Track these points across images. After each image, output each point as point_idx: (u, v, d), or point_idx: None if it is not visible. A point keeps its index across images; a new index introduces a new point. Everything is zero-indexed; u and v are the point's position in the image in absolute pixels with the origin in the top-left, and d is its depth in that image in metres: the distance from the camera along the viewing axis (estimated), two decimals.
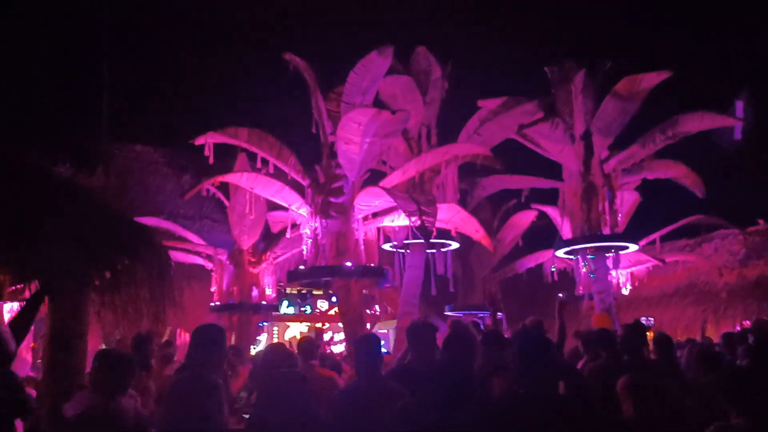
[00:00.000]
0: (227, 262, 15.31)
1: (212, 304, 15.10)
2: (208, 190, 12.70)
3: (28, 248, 7.41)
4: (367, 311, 13.11)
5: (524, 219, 14.66)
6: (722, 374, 4.66)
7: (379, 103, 11.24)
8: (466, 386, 3.17)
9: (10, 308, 11.96)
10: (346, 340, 11.83)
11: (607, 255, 11.86)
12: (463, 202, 13.00)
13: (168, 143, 18.18)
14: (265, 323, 19.49)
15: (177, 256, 14.02)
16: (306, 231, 11.11)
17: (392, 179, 11.01)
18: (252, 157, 12.56)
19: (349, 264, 10.64)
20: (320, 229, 10.87)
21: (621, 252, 11.94)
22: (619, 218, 11.86)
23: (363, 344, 4.23)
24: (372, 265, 11.01)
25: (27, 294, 10.26)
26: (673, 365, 5.96)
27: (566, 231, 12.46)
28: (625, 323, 6.41)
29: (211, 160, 10.89)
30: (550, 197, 13.51)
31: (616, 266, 11.92)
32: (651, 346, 6.43)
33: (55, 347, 6.86)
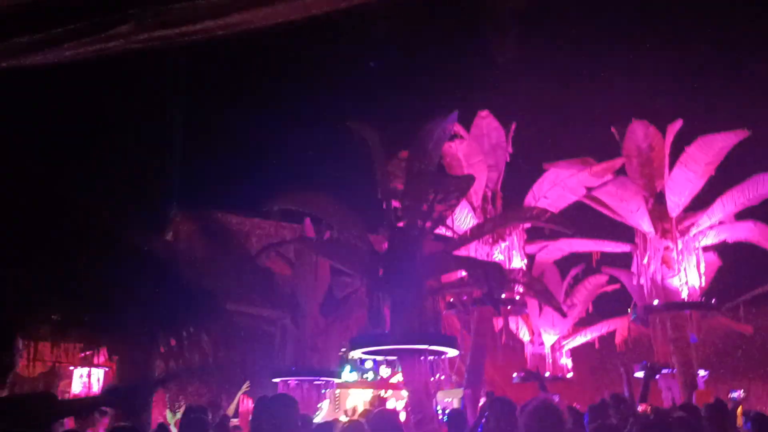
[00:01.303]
0: (291, 327, 15.26)
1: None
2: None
3: (98, 315, 7.52)
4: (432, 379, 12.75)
5: (594, 284, 14.10)
6: None
7: (442, 167, 11.21)
8: None
9: (80, 374, 12.15)
10: (410, 409, 11.42)
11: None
12: (529, 267, 12.65)
13: (237, 209, 18.59)
14: (326, 390, 19.16)
15: (240, 320, 14.18)
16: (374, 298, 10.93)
17: (461, 247, 10.82)
18: (316, 220, 12.68)
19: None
20: (387, 298, 10.68)
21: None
22: (698, 282, 11.22)
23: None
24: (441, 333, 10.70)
25: (96, 360, 10.32)
26: None
27: (641, 296, 11.87)
28: (708, 403, 5.95)
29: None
30: (622, 261, 12.98)
31: (695, 337, 11.20)
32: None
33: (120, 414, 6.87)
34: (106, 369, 12.14)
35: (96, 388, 11.98)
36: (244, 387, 13.45)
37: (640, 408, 6.52)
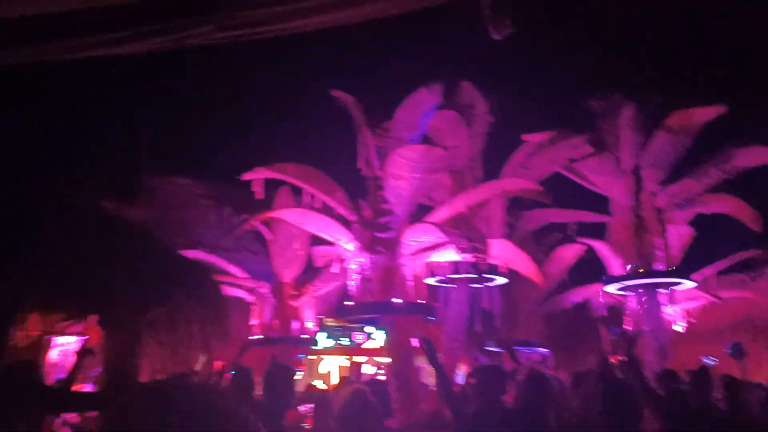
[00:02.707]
0: (268, 295, 15.33)
1: (252, 337, 15.07)
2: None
3: (84, 284, 7.45)
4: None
5: (570, 253, 14.40)
6: None
7: (424, 138, 11.24)
8: None
9: (61, 342, 12.05)
10: (391, 375, 11.64)
11: (659, 291, 11.56)
12: (508, 236, 12.86)
13: (208, 176, 18.43)
14: (303, 356, 19.38)
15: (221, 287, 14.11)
16: (353, 266, 11.03)
17: (439, 214, 10.93)
18: (296, 191, 12.65)
19: (396, 300, 10.52)
20: (367, 265, 10.79)
21: (675, 288, 11.63)
22: (672, 253, 11.57)
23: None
24: (420, 301, 10.86)
25: (81, 328, 10.28)
26: (743, 410, 5.68)
27: (615, 266, 12.20)
28: (690, 369, 6.15)
29: (260, 195, 10.95)
30: (597, 231, 13.27)
31: (671, 303, 11.59)
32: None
33: (109, 381, 6.88)
34: (86, 337, 12.04)
35: (73, 358, 11.88)
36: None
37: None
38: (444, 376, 4.23)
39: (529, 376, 4.39)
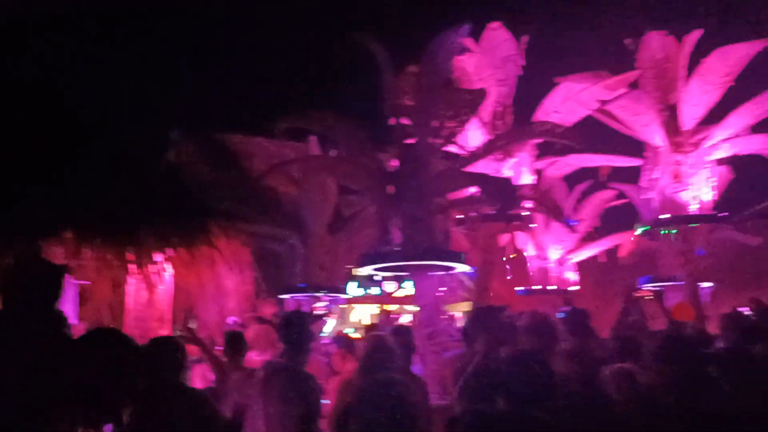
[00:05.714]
0: (298, 245, 15.42)
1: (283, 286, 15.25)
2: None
3: (109, 223, 7.56)
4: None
5: (602, 198, 14.11)
6: None
7: (451, 81, 10.92)
8: (543, 381, 2.96)
9: None
10: (421, 323, 11.67)
11: (694, 235, 11.26)
12: (537, 182, 12.64)
13: (238, 127, 18.34)
14: (333, 305, 19.59)
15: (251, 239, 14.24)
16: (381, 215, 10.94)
17: (466, 161, 10.71)
18: (322, 139, 12.57)
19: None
20: (394, 214, 10.68)
21: (711, 232, 11.32)
22: (708, 196, 11.21)
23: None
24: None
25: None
26: None
27: (649, 210, 11.90)
28: (724, 312, 5.97)
29: (286, 144, 10.85)
30: (630, 175, 12.93)
31: (705, 247, 11.29)
32: None
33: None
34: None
35: None
36: None
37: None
38: None
39: (532, 320, 4.23)
